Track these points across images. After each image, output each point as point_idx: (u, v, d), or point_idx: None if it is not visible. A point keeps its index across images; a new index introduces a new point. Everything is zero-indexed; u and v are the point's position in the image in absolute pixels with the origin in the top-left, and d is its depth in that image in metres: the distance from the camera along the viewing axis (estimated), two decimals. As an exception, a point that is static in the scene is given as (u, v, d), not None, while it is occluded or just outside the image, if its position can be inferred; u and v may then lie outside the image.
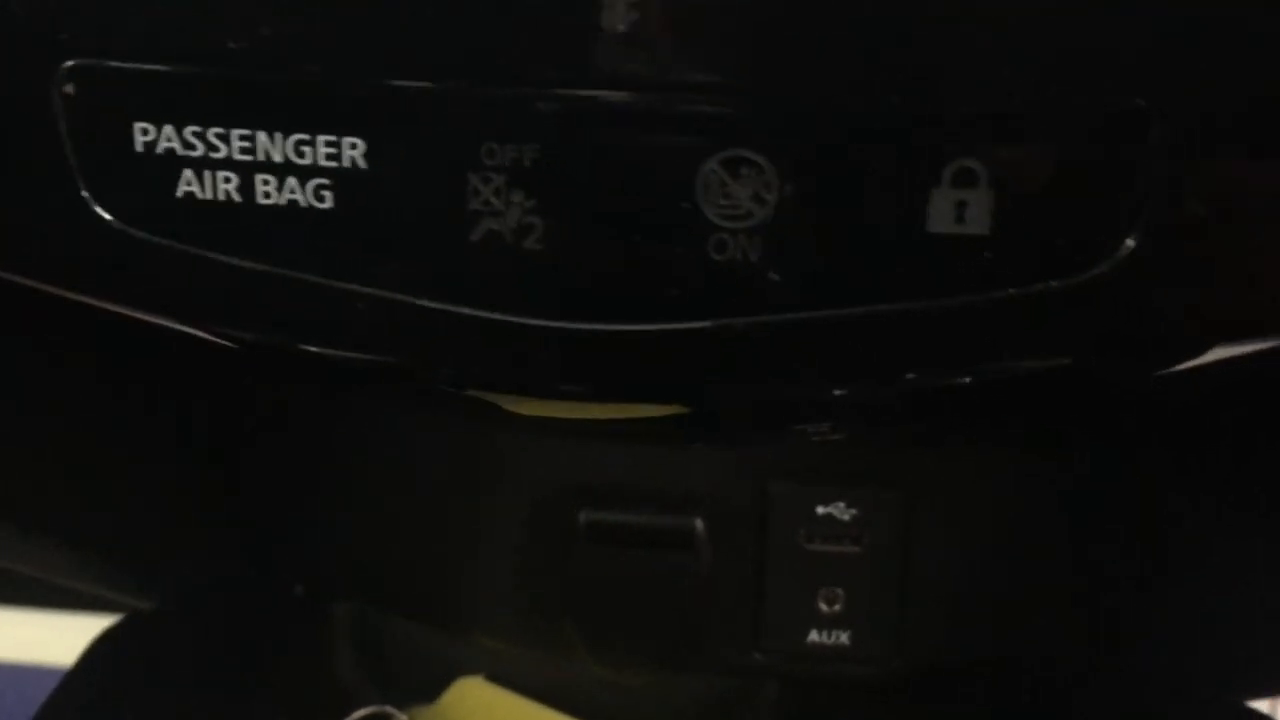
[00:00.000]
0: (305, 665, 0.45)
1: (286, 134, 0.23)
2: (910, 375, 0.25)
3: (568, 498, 0.38)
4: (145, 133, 0.24)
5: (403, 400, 0.39)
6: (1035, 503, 0.37)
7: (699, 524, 0.37)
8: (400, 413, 0.40)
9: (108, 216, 0.25)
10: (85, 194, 0.24)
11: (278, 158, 0.24)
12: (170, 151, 0.24)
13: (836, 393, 0.28)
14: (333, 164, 0.23)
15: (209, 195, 0.24)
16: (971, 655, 0.39)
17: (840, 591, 0.39)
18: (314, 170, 0.24)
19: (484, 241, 0.24)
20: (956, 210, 0.23)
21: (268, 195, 0.24)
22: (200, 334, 0.27)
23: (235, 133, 0.24)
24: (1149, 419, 0.35)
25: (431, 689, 0.44)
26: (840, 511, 0.38)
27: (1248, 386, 0.33)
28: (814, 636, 0.39)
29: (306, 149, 0.23)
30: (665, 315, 0.24)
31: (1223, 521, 0.36)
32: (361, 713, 0.42)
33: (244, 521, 0.44)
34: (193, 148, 0.24)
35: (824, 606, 0.39)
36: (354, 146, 0.23)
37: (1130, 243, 0.22)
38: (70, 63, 0.23)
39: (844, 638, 0.39)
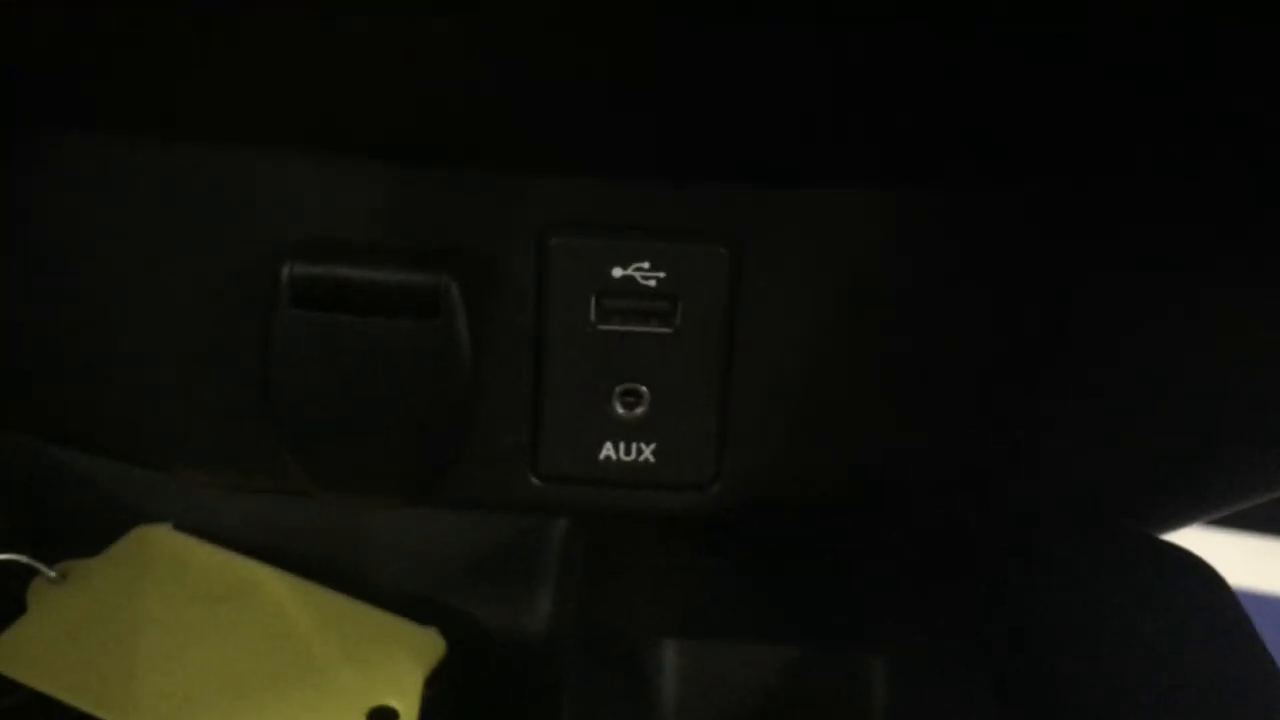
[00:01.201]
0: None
1: None
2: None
3: (266, 248, 0.27)
4: None
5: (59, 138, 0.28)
6: (904, 267, 0.28)
7: (452, 284, 0.27)
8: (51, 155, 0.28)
9: None
10: None
11: None
12: None
13: None
14: None
15: None
16: (817, 481, 0.30)
17: (644, 390, 0.29)
18: None
19: None
20: None
21: None
22: None
23: None
24: (1039, 148, 0.27)
25: (103, 545, 0.33)
26: (644, 274, 0.28)
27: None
28: (609, 452, 0.29)
29: None
30: None
31: (1141, 290, 0.28)
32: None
33: None
34: None
35: (622, 410, 0.29)
36: None
37: None
38: None
39: (648, 453, 0.29)
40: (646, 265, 0.28)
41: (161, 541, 0.32)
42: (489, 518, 0.32)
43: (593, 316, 0.28)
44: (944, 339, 0.29)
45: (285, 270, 0.27)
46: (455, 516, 0.32)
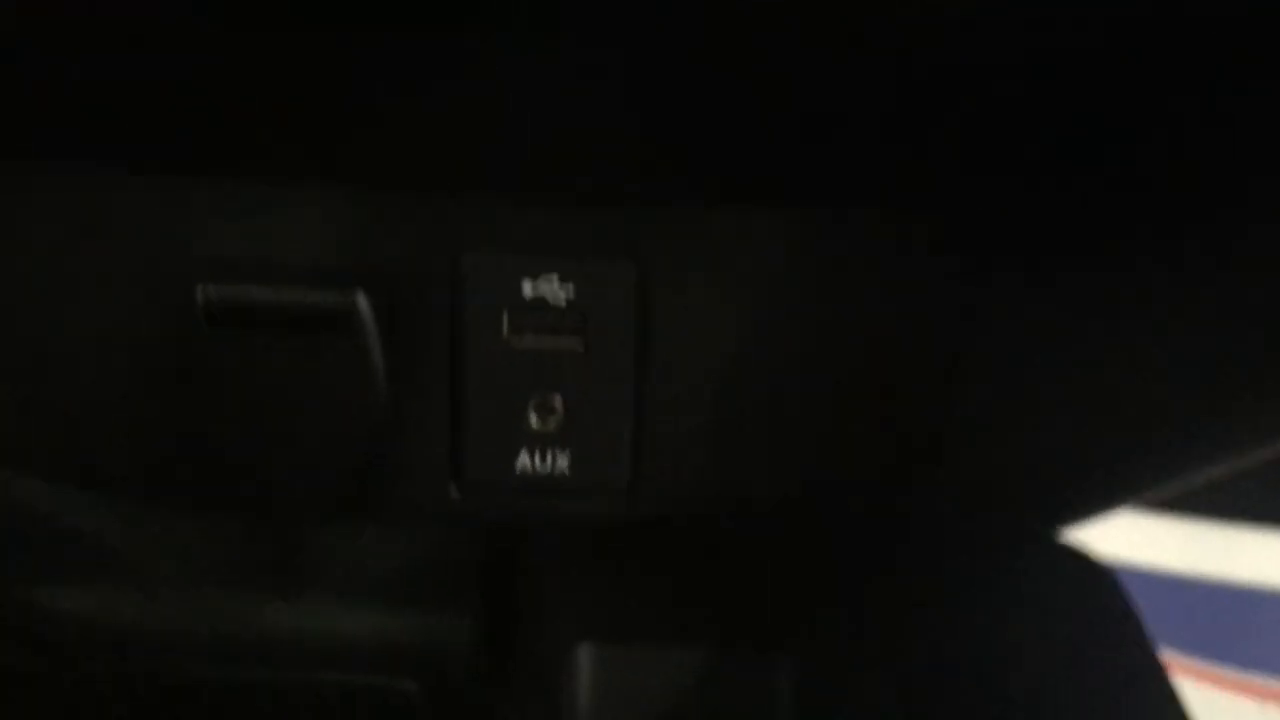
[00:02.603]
0: None
1: None
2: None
3: (182, 268, 0.27)
4: None
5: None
6: (812, 279, 0.29)
7: (361, 300, 0.27)
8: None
9: None
10: None
11: None
12: None
13: None
14: None
15: None
16: (730, 488, 0.31)
17: (558, 400, 0.29)
18: None
19: None
20: None
21: None
22: None
23: None
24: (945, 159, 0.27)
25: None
26: (555, 291, 0.28)
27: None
28: (525, 462, 0.30)
29: None
30: None
31: (1050, 292, 0.28)
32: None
33: None
34: None
35: (537, 422, 0.30)
36: None
37: None
38: None
39: (563, 462, 0.30)
40: (556, 281, 0.28)
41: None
42: (406, 532, 0.33)
43: (505, 332, 0.29)
44: (848, 350, 0.29)
45: (200, 291, 0.27)
46: (371, 532, 0.33)
